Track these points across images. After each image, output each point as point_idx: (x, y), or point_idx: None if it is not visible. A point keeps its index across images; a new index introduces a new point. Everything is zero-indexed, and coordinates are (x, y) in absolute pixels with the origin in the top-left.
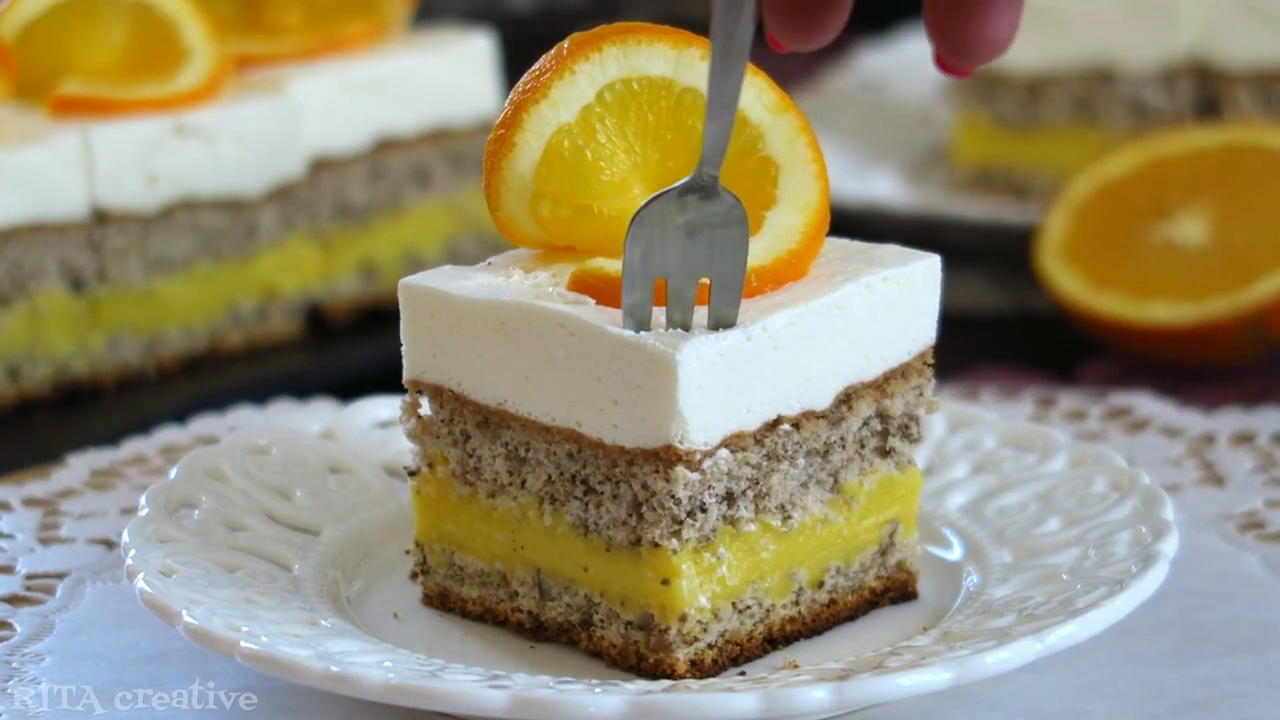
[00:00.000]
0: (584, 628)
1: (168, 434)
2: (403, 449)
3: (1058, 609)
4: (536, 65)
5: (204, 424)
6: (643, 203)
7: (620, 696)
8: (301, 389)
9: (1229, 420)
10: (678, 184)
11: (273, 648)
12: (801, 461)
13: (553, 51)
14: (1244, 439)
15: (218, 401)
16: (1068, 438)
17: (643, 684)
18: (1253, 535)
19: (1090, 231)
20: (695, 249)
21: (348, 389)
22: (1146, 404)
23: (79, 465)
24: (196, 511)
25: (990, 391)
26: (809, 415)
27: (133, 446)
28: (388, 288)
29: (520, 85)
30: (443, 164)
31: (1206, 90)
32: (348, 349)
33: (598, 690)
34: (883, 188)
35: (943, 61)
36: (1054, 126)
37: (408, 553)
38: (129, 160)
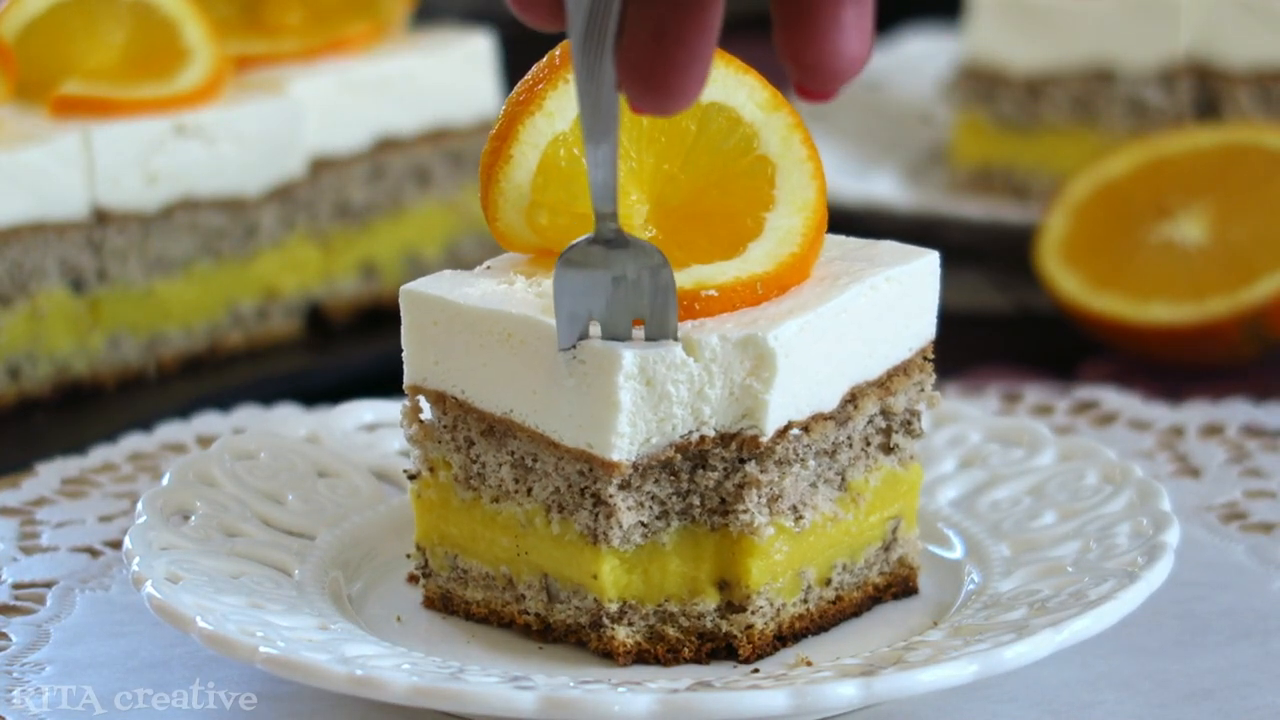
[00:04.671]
0: (594, 629)
1: (133, 441)
2: (389, 451)
3: (1070, 601)
4: (529, 75)
5: (169, 430)
6: (563, 251)
7: (650, 695)
8: (302, 389)
9: (1196, 412)
10: (582, 239)
11: (293, 652)
12: (811, 463)
13: (544, 60)
14: (1213, 431)
15: (218, 402)
16: (1053, 432)
17: (665, 682)
18: (1236, 526)
19: (1090, 231)
20: (623, 296)
21: (348, 389)
22: (1112, 397)
23: (48, 473)
24: (193, 518)
25: (955, 388)
26: (817, 417)
27: (100, 454)
28: (388, 288)
29: (514, 95)
30: (443, 164)
31: (1206, 90)
32: (348, 349)
33: (622, 690)
34: (883, 188)
35: (803, 88)
36: (1054, 126)
37: (409, 556)
38: (129, 160)
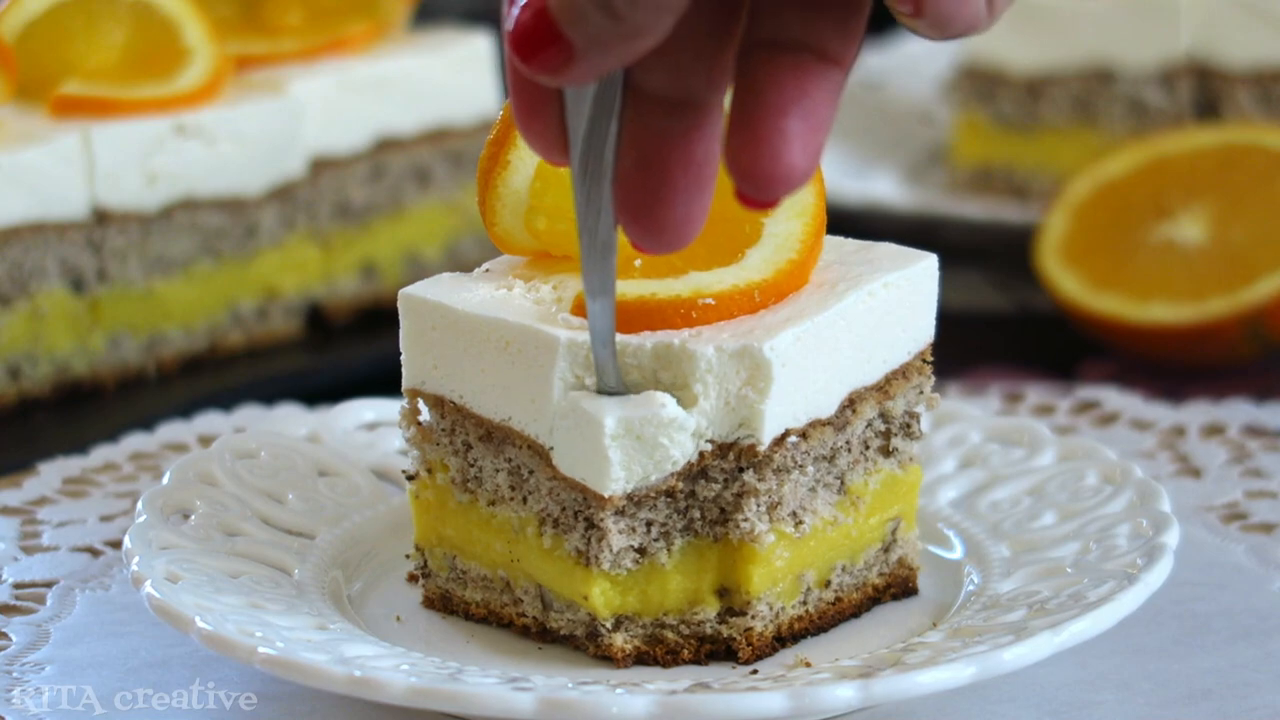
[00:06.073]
0: (591, 639)
1: (135, 441)
2: (390, 451)
3: (1069, 603)
4: None
5: (170, 430)
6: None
7: (648, 696)
8: (302, 389)
9: (1197, 412)
10: (585, 392)
11: (291, 653)
12: (810, 469)
13: None
14: (1214, 431)
15: (218, 402)
16: (1053, 432)
17: (664, 684)
18: (1237, 526)
19: (1090, 231)
20: None
21: (348, 389)
22: (1114, 397)
23: (50, 473)
24: (193, 517)
25: (956, 388)
26: (815, 424)
27: (102, 454)
28: (388, 288)
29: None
30: (443, 164)
31: (1206, 90)
32: (348, 349)
33: (620, 691)
34: (883, 188)
35: (741, 194)
36: (1054, 126)
37: (408, 557)
38: (129, 160)
